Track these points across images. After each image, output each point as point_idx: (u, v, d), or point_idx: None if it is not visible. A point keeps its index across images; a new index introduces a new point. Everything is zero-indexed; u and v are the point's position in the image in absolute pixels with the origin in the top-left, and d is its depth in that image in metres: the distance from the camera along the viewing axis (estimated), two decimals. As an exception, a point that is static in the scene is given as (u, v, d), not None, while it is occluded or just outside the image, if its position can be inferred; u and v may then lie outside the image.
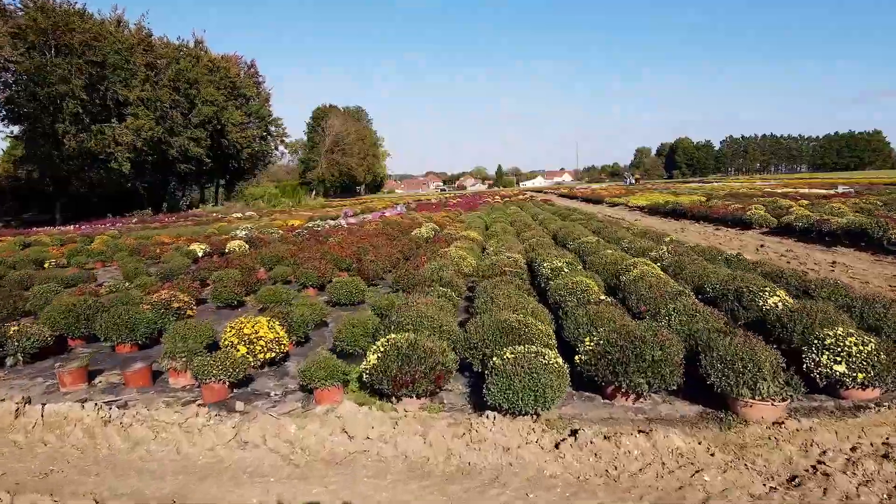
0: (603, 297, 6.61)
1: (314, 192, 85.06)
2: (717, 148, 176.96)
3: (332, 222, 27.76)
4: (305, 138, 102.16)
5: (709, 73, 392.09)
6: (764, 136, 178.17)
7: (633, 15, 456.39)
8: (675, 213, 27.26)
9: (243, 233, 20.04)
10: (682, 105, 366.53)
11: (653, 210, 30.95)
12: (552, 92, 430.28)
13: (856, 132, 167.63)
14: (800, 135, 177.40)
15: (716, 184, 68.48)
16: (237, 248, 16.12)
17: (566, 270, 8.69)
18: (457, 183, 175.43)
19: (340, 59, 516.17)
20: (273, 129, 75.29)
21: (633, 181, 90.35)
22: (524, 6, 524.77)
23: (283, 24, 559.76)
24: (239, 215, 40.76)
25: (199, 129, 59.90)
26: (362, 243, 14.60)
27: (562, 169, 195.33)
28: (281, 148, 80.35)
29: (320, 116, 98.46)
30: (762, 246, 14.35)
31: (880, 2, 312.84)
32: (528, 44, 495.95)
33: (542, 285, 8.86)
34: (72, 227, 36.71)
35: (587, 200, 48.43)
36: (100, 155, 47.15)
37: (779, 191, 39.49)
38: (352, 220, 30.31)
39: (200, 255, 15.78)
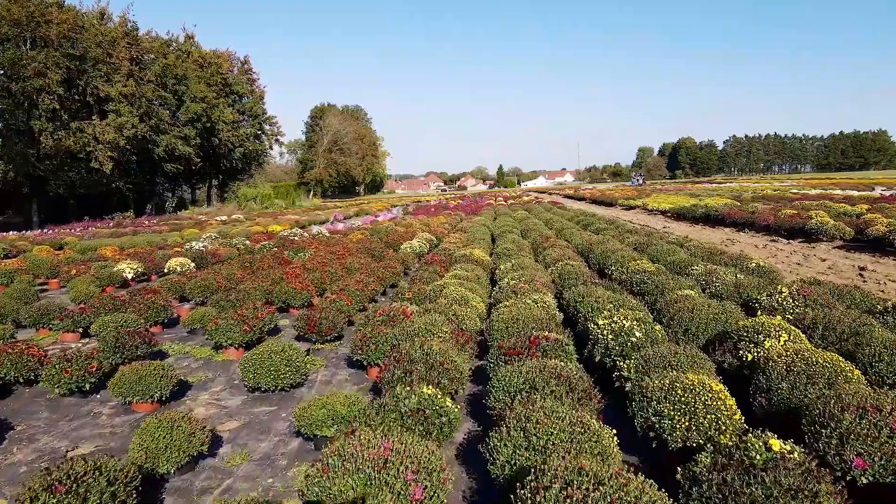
0: (774, 442, 3.05)
1: (311, 193, 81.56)
2: (720, 148, 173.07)
3: (316, 228, 24.34)
4: (304, 138, 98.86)
5: (710, 73, 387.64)
6: (767, 135, 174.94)
7: (633, 14, 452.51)
8: (710, 219, 23.61)
9: (200, 245, 16.57)
10: (683, 105, 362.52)
11: (679, 215, 27.24)
12: (553, 91, 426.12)
13: (861, 132, 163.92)
14: (803, 135, 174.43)
15: (732, 184, 64.52)
16: (178, 268, 12.64)
17: (638, 335, 5.21)
18: (457, 183, 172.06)
19: (340, 58, 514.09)
20: (267, 127, 72.28)
21: (642, 181, 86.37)
22: (524, 6, 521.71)
23: (281, 23, 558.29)
24: (224, 218, 37.41)
25: (188, 128, 56.94)
26: (333, 266, 11.11)
27: (563, 169, 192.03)
28: (277, 147, 77.08)
29: (318, 115, 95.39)
30: (864, 270, 10.78)
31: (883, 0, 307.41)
32: (528, 43, 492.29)
33: (599, 359, 5.35)
34: (37, 231, 33.51)
35: (597, 202, 44.68)
36: (79, 154, 43.93)
37: (811, 192, 35.73)
38: (340, 226, 26.93)
39: (130, 276, 12.32)
